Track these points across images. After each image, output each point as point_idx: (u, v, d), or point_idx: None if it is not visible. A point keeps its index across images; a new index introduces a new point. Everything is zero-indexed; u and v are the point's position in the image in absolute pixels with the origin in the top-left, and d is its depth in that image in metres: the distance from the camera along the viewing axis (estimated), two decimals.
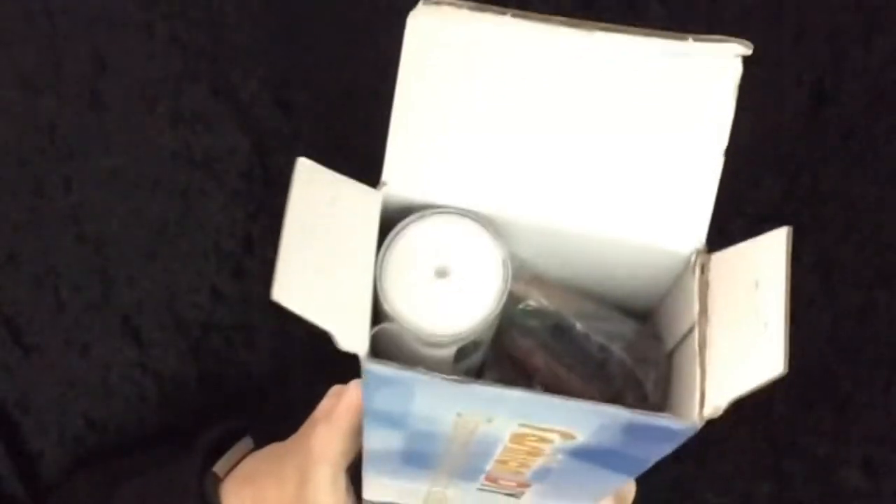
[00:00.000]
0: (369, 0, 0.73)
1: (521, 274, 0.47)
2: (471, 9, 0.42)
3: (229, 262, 0.73)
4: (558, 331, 0.47)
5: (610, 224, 0.44)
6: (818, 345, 0.73)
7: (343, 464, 0.52)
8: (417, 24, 0.43)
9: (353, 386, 0.52)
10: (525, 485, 0.48)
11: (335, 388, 0.54)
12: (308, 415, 0.55)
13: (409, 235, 0.45)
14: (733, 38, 0.42)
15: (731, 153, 0.43)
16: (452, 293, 0.45)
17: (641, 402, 0.46)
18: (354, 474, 0.52)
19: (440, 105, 0.44)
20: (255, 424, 0.63)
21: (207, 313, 0.73)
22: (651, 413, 0.40)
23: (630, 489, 0.51)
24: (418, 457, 0.47)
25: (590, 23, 0.43)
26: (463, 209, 0.45)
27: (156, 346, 0.73)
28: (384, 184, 0.45)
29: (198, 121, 0.73)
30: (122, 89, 0.72)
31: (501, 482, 0.48)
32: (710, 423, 0.41)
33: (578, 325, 0.47)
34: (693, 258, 0.44)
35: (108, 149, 0.72)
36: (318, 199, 0.42)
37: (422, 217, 0.45)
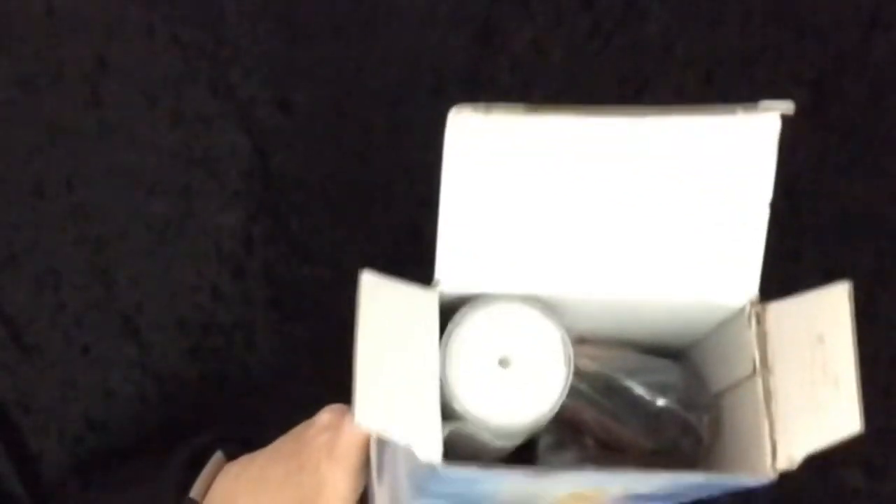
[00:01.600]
0: (369, 0, 0.74)
1: (568, 338, 0.47)
2: (525, 111, 0.42)
3: (229, 262, 0.73)
4: (608, 389, 0.47)
5: (661, 286, 0.44)
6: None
7: (355, 498, 0.52)
8: (458, 120, 0.43)
9: (352, 419, 0.52)
10: None
11: (326, 417, 0.53)
12: (307, 416, 0.55)
13: (467, 327, 0.45)
14: (778, 103, 0.43)
15: None
16: (518, 383, 0.44)
17: (696, 444, 0.47)
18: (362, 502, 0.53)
19: (485, 195, 0.43)
20: (224, 435, 0.63)
21: (207, 313, 0.73)
22: (726, 474, 0.42)
23: None
24: None
25: (635, 108, 0.43)
26: (514, 295, 0.45)
27: (156, 346, 0.73)
28: (438, 282, 0.44)
29: (198, 121, 0.73)
30: (122, 89, 0.72)
31: None
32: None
33: (628, 383, 0.47)
34: (748, 309, 0.44)
35: (108, 149, 0.72)
36: (382, 314, 0.42)
37: (477, 307, 0.45)
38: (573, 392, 0.47)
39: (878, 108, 0.74)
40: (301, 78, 0.73)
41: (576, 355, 0.47)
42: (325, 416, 0.54)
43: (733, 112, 0.42)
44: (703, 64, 0.74)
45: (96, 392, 0.73)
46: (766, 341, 0.43)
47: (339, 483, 0.51)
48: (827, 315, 0.41)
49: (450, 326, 0.45)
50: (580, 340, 0.48)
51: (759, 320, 0.43)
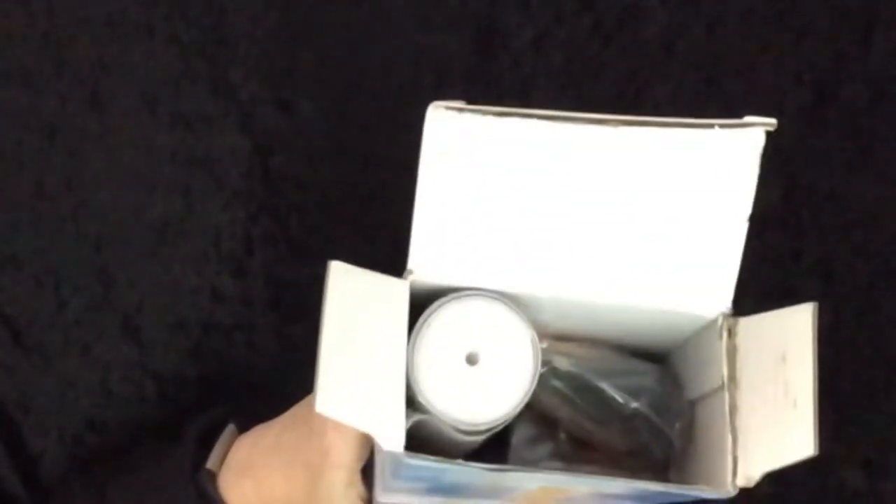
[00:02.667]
0: (369, 1, 0.74)
1: (544, 332, 0.47)
2: (495, 115, 0.42)
3: (229, 262, 0.73)
4: (583, 389, 0.47)
5: (635, 293, 0.45)
6: (818, 345, 0.73)
7: (358, 467, 0.52)
8: (437, 115, 0.43)
9: None
10: None
11: None
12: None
13: (437, 323, 0.45)
14: (758, 121, 0.42)
15: None
16: (485, 382, 0.44)
17: (667, 449, 0.47)
18: (368, 469, 0.53)
19: (463, 192, 0.44)
20: (237, 411, 0.63)
21: (207, 313, 0.73)
22: (685, 487, 0.42)
23: None
24: (443, 493, 0.47)
25: (615, 118, 0.43)
26: (488, 290, 0.45)
27: (156, 346, 0.73)
28: (410, 272, 0.44)
29: (198, 121, 0.73)
30: (122, 89, 0.72)
31: None
32: None
33: (602, 384, 0.47)
34: (720, 321, 0.44)
35: (108, 149, 0.72)
36: (350, 301, 0.42)
37: (448, 303, 0.45)
38: (549, 389, 0.47)
39: (878, 108, 0.74)
40: (301, 78, 0.73)
41: (553, 353, 0.47)
42: None
43: (711, 127, 0.43)
44: (703, 64, 0.74)
45: (96, 392, 0.73)
46: (735, 356, 0.44)
47: (343, 450, 0.51)
48: (792, 335, 0.42)
49: (420, 320, 0.45)
50: (559, 337, 0.48)
51: (731, 334, 0.44)
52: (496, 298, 0.45)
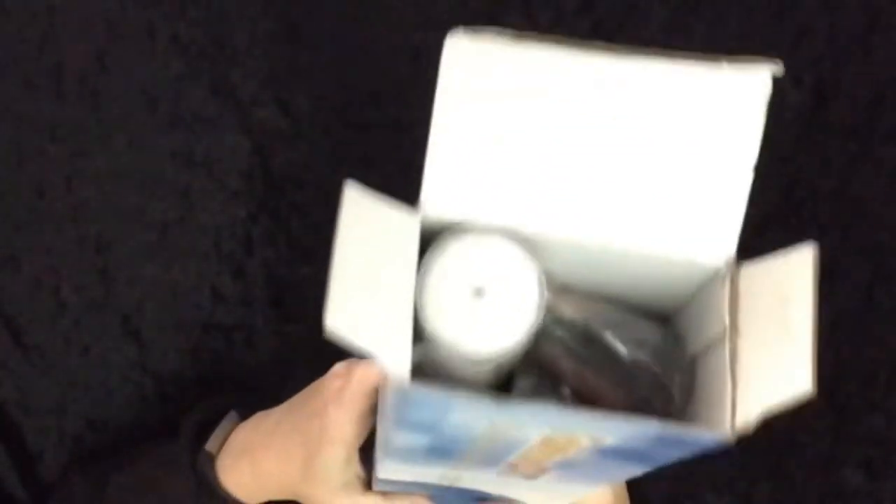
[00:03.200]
0: (369, 0, 0.74)
1: (549, 284, 0.47)
2: (512, 37, 0.43)
3: (229, 262, 0.73)
4: (586, 339, 0.48)
5: (640, 238, 0.45)
6: (818, 345, 0.73)
7: (357, 444, 0.52)
8: (455, 48, 0.43)
9: (364, 366, 0.52)
10: (544, 470, 0.48)
11: (339, 367, 0.54)
12: None
13: (446, 255, 0.46)
14: (764, 60, 0.43)
15: None
16: (491, 313, 0.45)
17: (668, 404, 0.47)
18: (365, 449, 0.53)
19: (476, 126, 0.45)
20: (240, 403, 0.63)
21: (207, 313, 0.73)
22: (684, 426, 0.42)
23: None
24: (442, 452, 0.48)
25: (626, 47, 0.43)
26: (496, 227, 0.46)
27: (156, 346, 0.73)
28: (421, 205, 0.45)
29: (198, 121, 0.73)
30: (122, 89, 0.72)
31: (521, 469, 0.49)
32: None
33: (606, 333, 0.48)
34: (723, 270, 0.44)
35: (108, 149, 0.72)
36: (362, 225, 0.43)
37: (457, 236, 0.46)
38: (552, 338, 0.48)
39: (878, 108, 0.74)
40: (301, 78, 0.73)
41: (557, 303, 0.47)
42: (339, 365, 0.55)
43: (719, 63, 0.43)
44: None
45: (96, 392, 0.73)
46: (738, 302, 0.44)
47: (342, 427, 0.51)
48: (793, 276, 0.42)
49: (429, 252, 0.46)
50: (563, 289, 0.48)
51: (733, 281, 0.44)
52: (504, 235, 0.46)
